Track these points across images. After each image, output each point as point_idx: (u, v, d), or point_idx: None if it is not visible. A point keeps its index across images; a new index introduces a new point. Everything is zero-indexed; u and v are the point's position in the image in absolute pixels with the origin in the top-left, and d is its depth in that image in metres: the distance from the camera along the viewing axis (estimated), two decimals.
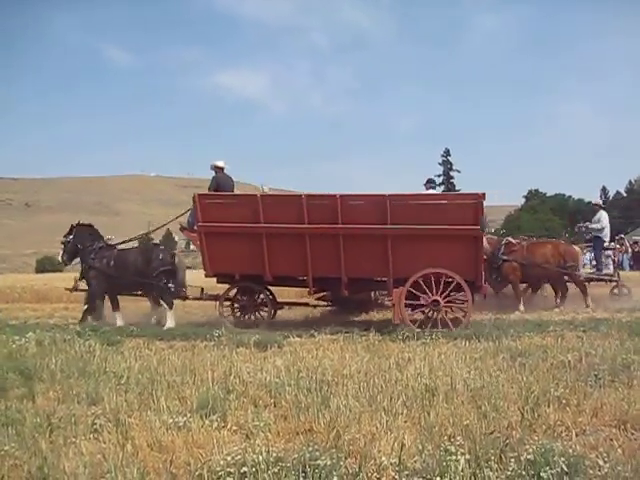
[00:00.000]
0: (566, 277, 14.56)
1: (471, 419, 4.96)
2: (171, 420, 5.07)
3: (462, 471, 3.80)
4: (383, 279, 11.47)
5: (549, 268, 14.09)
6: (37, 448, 4.45)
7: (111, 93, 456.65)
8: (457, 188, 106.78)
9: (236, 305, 12.68)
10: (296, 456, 4.00)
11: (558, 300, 14.38)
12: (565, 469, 3.77)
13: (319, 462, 3.87)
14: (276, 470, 3.82)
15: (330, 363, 7.47)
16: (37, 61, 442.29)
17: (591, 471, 3.82)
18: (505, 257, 14.07)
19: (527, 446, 4.09)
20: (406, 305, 10.97)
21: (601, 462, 3.89)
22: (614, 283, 15.39)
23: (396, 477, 3.85)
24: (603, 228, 15.66)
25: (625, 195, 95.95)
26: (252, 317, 12.60)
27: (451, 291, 10.90)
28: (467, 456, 3.95)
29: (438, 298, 10.78)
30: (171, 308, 12.52)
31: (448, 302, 10.96)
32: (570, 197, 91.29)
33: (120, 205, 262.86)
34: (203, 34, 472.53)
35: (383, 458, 4.07)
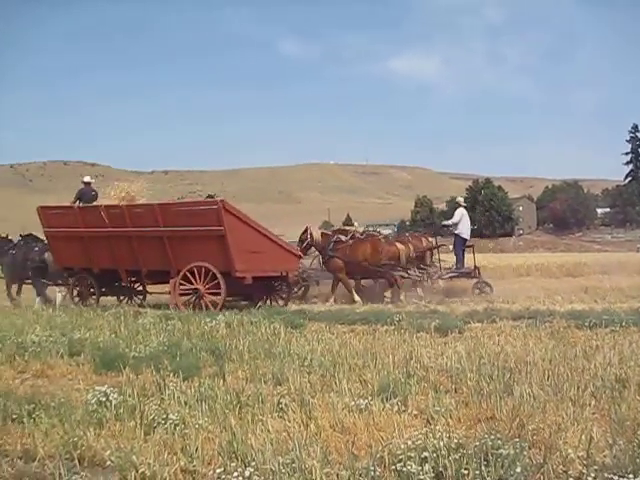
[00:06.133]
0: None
1: None
2: (353, 402, 5.20)
3: None
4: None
5: (367, 266, 15.25)
6: (227, 423, 4.74)
7: (287, 86, 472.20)
8: None
9: (75, 291, 15.89)
10: (477, 444, 3.95)
11: (402, 295, 15.00)
12: None
13: (502, 451, 3.79)
14: (457, 457, 3.79)
15: (512, 350, 7.28)
16: (215, 56, 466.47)
17: None
18: (332, 253, 15.45)
19: None
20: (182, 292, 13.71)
21: None
22: (475, 279, 16.20)
23: (584, 471, 3.65)
24: (456, 224, 16.50)
25: None
26: (89, 301, 15.42)
27: (212, 280, 13.37)
28: None
29: (200, 286, 13.38)
30: (39, 295, 16.75)
31: (208, 290, 13.39)
32: None
33: (301, 194, 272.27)
34: (373, 20, 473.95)
35: (570, 450, 3.90)
